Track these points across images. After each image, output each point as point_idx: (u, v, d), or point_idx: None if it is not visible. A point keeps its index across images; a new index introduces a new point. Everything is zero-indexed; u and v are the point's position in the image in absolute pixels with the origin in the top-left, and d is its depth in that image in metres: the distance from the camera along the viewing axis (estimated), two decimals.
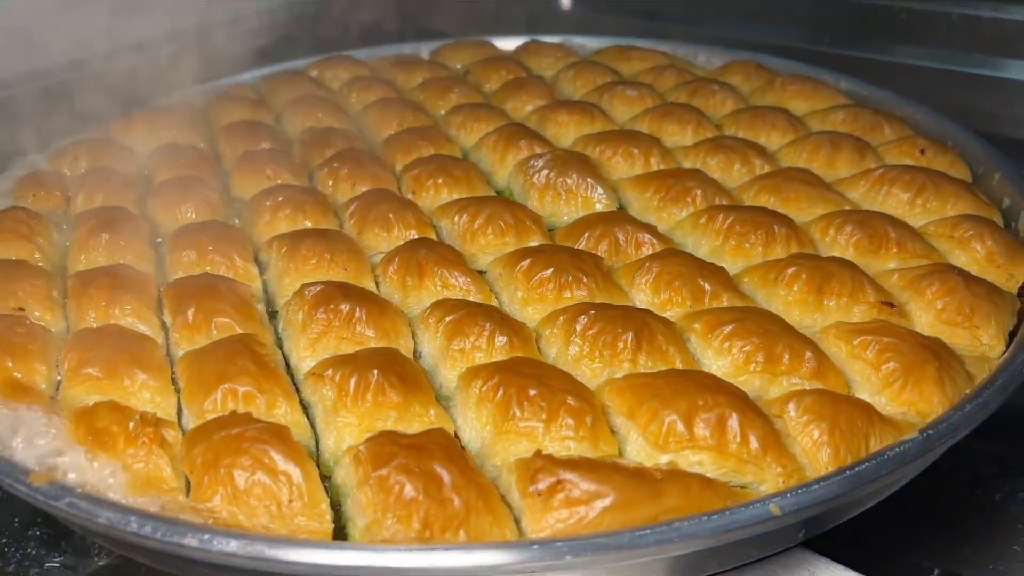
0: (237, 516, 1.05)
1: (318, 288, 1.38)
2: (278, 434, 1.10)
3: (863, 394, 1.23)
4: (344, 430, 1.18)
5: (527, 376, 1.17)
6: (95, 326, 1.38)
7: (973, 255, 1.48)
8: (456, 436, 1.20)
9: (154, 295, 1.47)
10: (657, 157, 1.84)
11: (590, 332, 1.27)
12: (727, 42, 2.90)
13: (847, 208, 1.62)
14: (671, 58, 2.43)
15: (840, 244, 1.51)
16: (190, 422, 1.23)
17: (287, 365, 1.37)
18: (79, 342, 1.31)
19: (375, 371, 1.19)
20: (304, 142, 2.01)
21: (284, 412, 1.21)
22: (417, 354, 1.36)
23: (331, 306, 1.34)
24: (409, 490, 1.01)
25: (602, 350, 1.25)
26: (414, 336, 1.38)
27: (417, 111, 2.13)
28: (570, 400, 1.13)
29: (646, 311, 1.32)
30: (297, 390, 1.28)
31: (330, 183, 1.82)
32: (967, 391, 1.20)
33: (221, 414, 1.18)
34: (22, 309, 1.43)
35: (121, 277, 1.45)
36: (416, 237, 1.57)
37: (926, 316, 1.36)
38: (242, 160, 1.91)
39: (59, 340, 1.38)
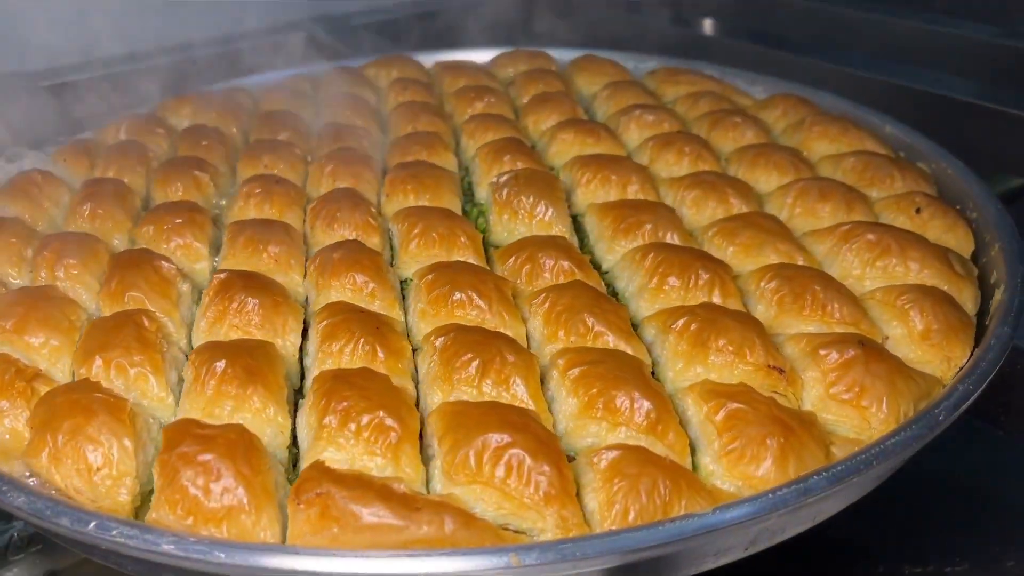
0: (54, 475, 1.14)
1: (224, 275, 1.45)
2: (108, 405, 1.17)
3: (704, 459, 1.16)
4: (190, 413, 1.24)
5: (354, 387, 1.18)
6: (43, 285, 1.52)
7: (909, 328, 1.36)
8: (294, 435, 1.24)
9: (103, 263, 1.59)
10: (636, 186, 1.79)
11: (445, 354, 1.27)
12: (853, 79, 2.76)
13: (799, 262, 1.51)
14: (720, 84, 2.34)
15: (765, 298, 1.42)
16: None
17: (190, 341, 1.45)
18: (7, 297, 1.44)
19: (223, 361, 1.24)
20: (320, 135, 2.10)
21: (150, 387, 1.29)
22: (305, 352, 1.41)
23: (228, 294, 1.41)
24: (182, 477, 1.05)
25: (450, 373, 1.25)
26: (308, 334, 1.42)
27: (435, 116, 2.17)
28: (381, 415, 1.14)
29: (511, 341, 1.30)
30: None
31: (316, 177, 1.89)
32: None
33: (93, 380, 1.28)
34: None
35: (75, 243, 1.58)
36: (351, 238, 1.61)
37: (818, 388, 1.26)
38: (251, 146, 2.02)
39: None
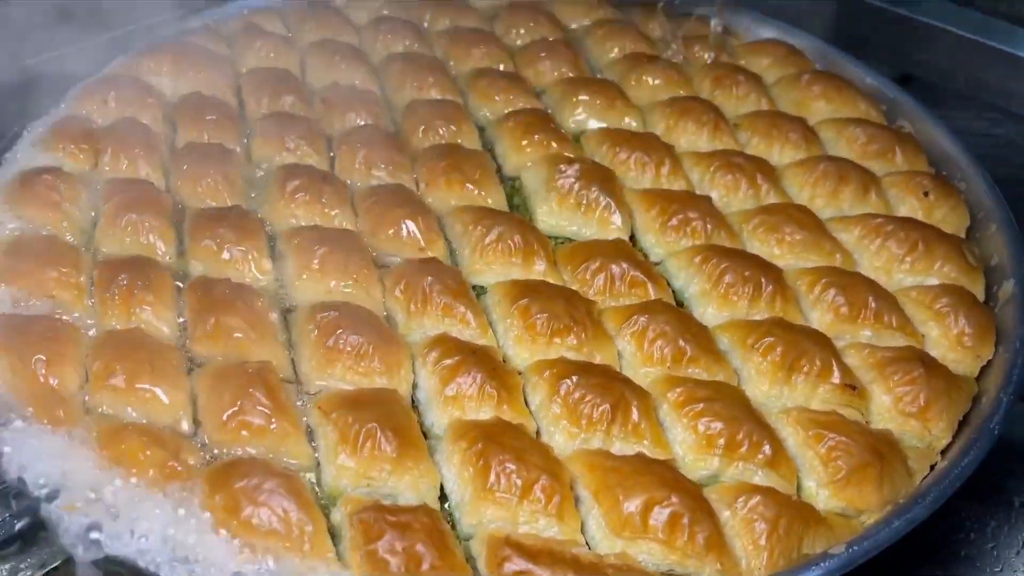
0: None
1: (330, 316, 1.48)
2: (293, 489, 1.24)
3: (809, 481, 1.37)
4: (342, 472, 1.32)
5: (507, 449, 1.30)
6: (116, 325, 1.50)
7: (946, 332, 1.57)
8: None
9: (172, 291, 1.56)
10: (668, 167, 1.88)
11: (572, 397, 1.39)
12: None
13: (837, 263, 1.68)
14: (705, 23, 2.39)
15: (822, 306, 1.60)
16: (203, 433, 1.37)
17: (295, 372, 1.49)
18: (103, 349, 1.43)
19: (374, 424, 1.32)
20: (326, 101, 2.04)
21: (293, 445, 1.35)
22: (415, 386, 1.49)
23: (342, 337, 1.45)
24: (393, 567, 1.16)
25: (579, 418, 1.38)
26: (414, 365, 1.50)
27: (438, 72, 2.14)
28: (543, 479, 1.27)
29: (627, 380, 1.44)
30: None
31: (348, 164, 1.87)
32: (903, 492, 1.34)
33: (236, 446, 1.34)
34: (53, 296, 1.54)
35: (141, 274, 1.54)
36: (427, 256, 1.66)
37: (886, 399, 1.46)
38: (264, 123, 1.95)
39: (86, 335, 1.50)
